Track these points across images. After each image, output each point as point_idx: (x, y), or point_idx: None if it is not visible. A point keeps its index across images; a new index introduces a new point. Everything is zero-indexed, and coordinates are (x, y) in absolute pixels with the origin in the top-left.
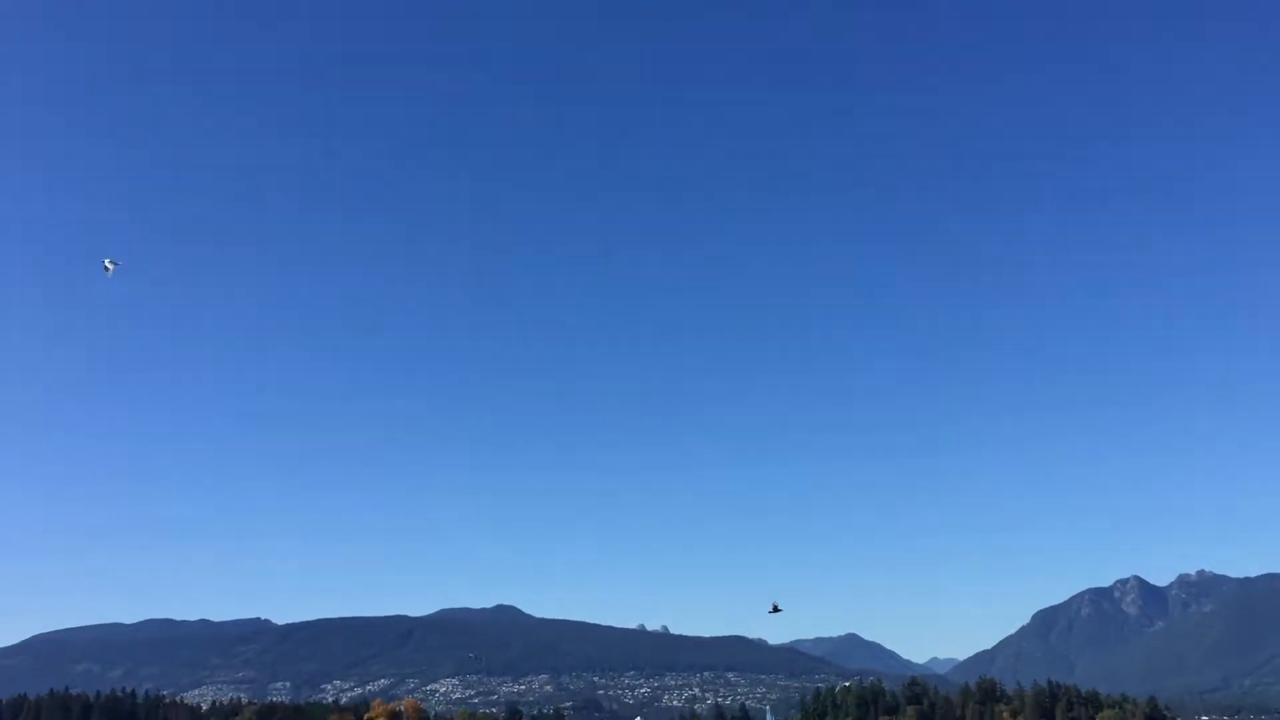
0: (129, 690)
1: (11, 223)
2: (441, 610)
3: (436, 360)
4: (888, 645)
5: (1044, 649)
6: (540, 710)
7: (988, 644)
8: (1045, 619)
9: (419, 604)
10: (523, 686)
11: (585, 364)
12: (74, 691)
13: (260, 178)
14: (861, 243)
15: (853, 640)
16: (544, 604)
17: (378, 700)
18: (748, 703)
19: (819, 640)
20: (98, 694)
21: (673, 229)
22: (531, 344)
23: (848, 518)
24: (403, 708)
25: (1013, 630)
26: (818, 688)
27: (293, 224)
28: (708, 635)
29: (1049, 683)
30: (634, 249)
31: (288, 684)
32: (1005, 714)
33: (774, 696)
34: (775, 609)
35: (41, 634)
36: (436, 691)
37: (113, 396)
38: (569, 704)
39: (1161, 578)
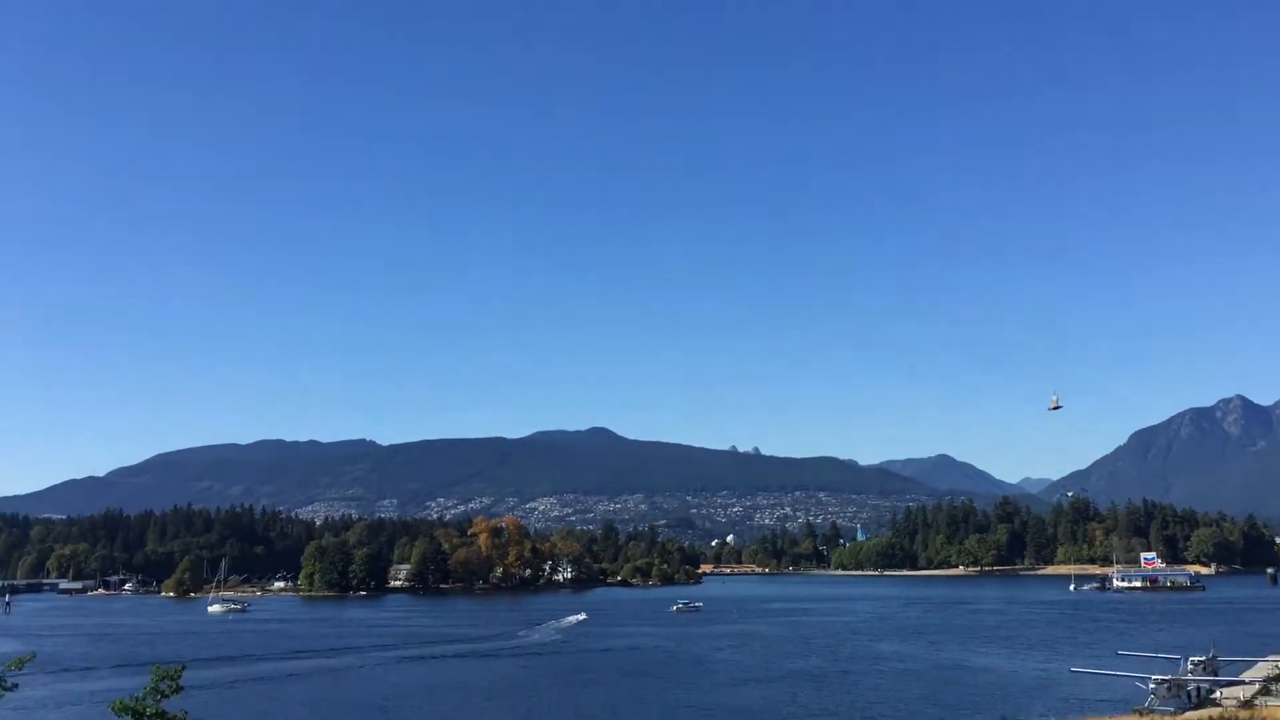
0: (247, 506)
1: None
2: (538, 432)
3: (534, 179)
4: (980, 466)
5: (1140, 469)
6: (635, 528)
7: (1082, 464)
8: (1143, 439)
9: (516, 426)
10: (618, 505)
11: (682, 180)
12: (196, 507)
13: None
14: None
15: (945, 461)
16: (637, 426)
17: (480, 517)
18: (839, 521)
19: (910, 461)
20: (218, 509)
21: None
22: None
23: (940, 337)
24: (504, 524)
25: (1109, 451)
26: (908, 506)
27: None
28: (799, 456)
29: (1144, 501)
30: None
31: (394, 501)
32: (1097, 532)
33: (865, 515)
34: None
35: (164, 453)
36: (535, 509)
37: (222, 222)
38: (663, 522)
39: (1266, 397)
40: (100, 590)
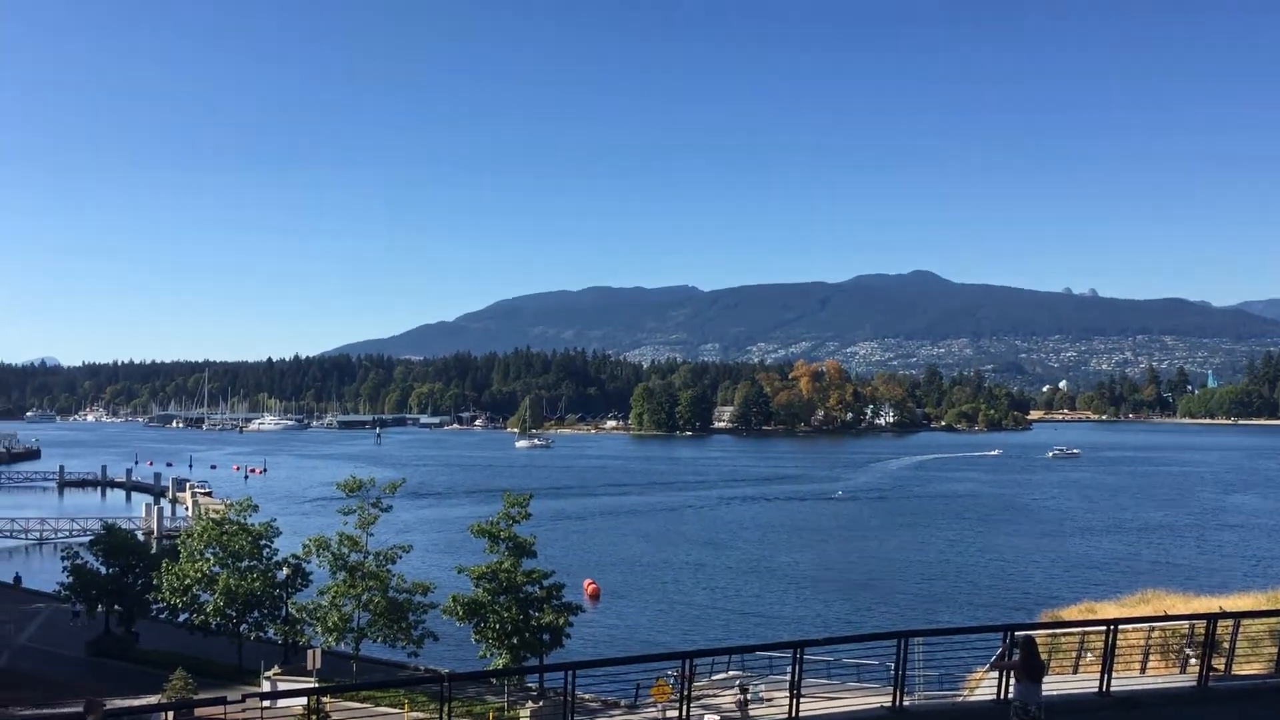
0: (580, 349)
1: None
2: (859, 276)
3: None
4: None
5: None
6: (960, 373)
7: None
8: None
9: (837, 270)
10: (942, 349)
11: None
12: (534, 350)
13: None
14: None
15: None
16: (962, 268)
17: (800, 361)
18: (1187, 366)
19: (1273, 302)
20: (554, 351)
21: None
22: None
23: None
24: (824, 368)
25: None
26: (1268, 351)
27: None
28: (1142, 298)
29: None
30: None
31: (716, 345)
32: None
33: (1217, 360)
34: None
35: (503, 300)
36: (856, 354)
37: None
38: (989, 367)
39: None
40: (455, 425)
